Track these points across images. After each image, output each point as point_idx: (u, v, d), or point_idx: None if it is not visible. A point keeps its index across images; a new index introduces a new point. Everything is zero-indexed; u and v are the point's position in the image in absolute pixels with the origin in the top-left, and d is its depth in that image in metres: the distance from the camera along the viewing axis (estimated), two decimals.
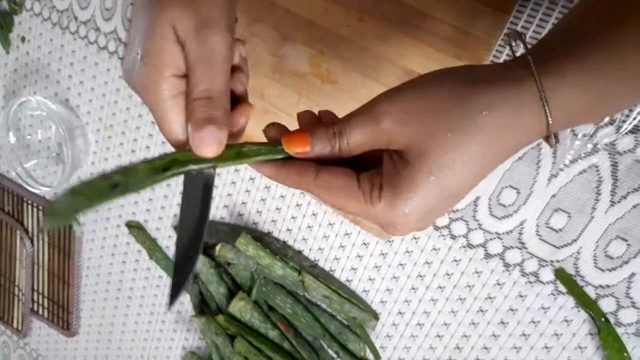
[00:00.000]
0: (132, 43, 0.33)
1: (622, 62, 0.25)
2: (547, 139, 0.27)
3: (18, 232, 0.86)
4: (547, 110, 0.25)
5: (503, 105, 0.25)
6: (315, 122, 0.31)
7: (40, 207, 0.83)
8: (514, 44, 0.29)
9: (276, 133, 0.31)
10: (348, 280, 0.60)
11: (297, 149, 0.29)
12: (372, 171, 0.29)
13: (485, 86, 0.26)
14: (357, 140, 0.28)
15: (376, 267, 0.57)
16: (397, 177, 0.27)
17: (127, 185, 0.28)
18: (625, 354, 0.47)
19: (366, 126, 0.27)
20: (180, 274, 0.33)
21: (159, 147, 0.69)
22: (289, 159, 0.30)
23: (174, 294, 0.32)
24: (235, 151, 0.31)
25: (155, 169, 0.29)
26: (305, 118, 0.32)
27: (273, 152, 0.31)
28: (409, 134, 0.26)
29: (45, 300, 0.89)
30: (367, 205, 0.28)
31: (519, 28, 0.44)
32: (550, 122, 0.26)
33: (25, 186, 0.78)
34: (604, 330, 0.47)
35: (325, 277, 0.60)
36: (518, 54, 0.28)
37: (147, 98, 0.31)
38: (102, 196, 0.28)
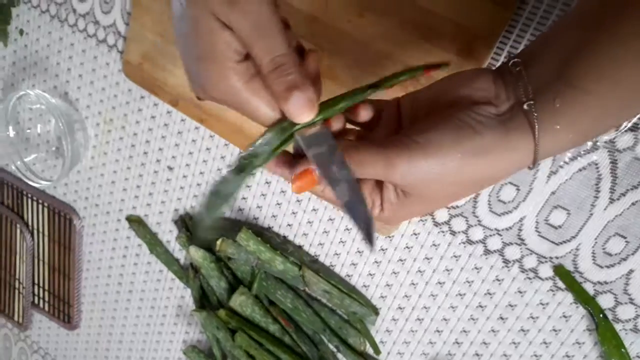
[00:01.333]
0: (186, 60, 0.32)
1: (621, 98, 0.27)
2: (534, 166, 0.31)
3: (18, 225, 0.86)
4: (537, 157, 0.29)
5: (498, 176, 0.30)
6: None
7: (41, 201, 0.83)
8: (514, 70, 0.30)
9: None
10: (348, 276, 0.60)
11: (305, 188, 0.31)
12: (372, 191, 0.33)
13: (489, 164, 0.29)
14: (362, 180, 0.32)
15: (376, 262, 0.58)
16: (398, 206, 0.32)
17: (252, 165, 0.31)
18: (623, 350, 0.47)
19: (378, 176, 0.30)
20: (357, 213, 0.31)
21: (159, 141, 0.69)
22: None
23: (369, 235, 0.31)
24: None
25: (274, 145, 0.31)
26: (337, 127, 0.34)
27: (355, 99, 0.34)
28: (415, 193, 0.31)
29: (46, 294, 0.89)
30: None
31: (520, 25, 0.44)
32: (536, 165, 0.30)
33: (25, 180, 0.78)
34: (602, 326, 0.48)
35: (325, 272, 0.61)
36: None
37: (226, 98, 0.31)
38: (233, 183, 0.31)
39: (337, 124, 0.33)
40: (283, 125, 0.31)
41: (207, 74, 0.31)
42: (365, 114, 0.33)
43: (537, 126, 0.28)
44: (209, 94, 0.32)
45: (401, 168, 0.29)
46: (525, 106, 0.28)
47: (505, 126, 0.29)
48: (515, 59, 0.30)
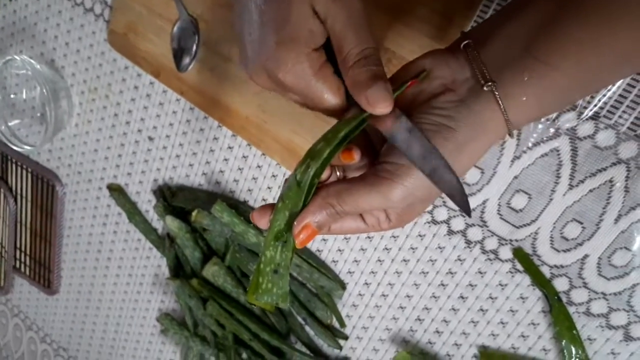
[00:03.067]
0: (256, 44, 0.33)
1: (585, 71, 0.28)
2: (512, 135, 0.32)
3: (2, 190, 0.87)
4: (511, 130, 0.30)
5: (481, 153, 0.31)
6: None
7: (24, 166, 0.84)
8: (467, 51, 0.31)
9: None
10: (318, 251, 0.62)
11: (308, 242, 0.33)
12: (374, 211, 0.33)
13: (473, 150, 0.31)
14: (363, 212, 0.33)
15: (345, 238, 0.59)
16: (403, 214, 0.33)
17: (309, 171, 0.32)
18: (574, 332, 0.49)
19: (379, 208, 0.32)
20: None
21: (141, 111, 0.69)
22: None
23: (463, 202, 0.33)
24: None
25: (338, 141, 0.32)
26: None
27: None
28: (418, 198, 0.32)
29: (28, 259, 0.91)
30: (375, 230, 0.35)
31: (491, 11, 0.45)
32: (513, 134, 0.31)
33: (9, 144, 0.78)
34: (556, 308, 0.49)
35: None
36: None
37: (294, 82, 0.32)
38: (298, 193, 0.32)
39: (325, 175, 0.34)
40: (338, 127, 0.32)
41: (284, 57, 0.31)
42: (357, 155, 0.33)
43: (501, 103, 0.29)
44: (276, 77, 0.32)
45: (398, 196, 0.30)
46: (485, 88, 0.29)
47: (474, 110, 0.30)
48: (468, 41, 0.31)
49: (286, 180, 0.33)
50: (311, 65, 0.32)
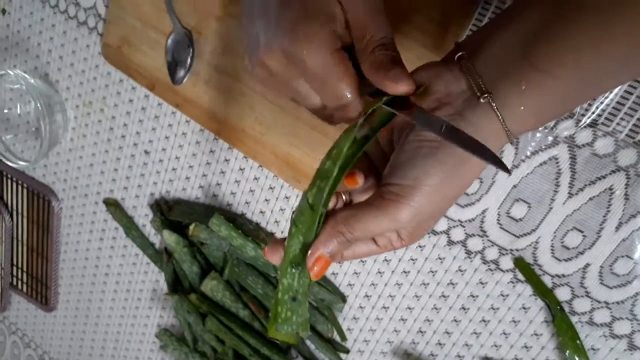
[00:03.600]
0: (262, 16, 0.33)
1: (582, 80, 0.28)
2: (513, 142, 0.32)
3: None
4: (510, 139, 0.30)
5: (484, 164, 0.30)
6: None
7: (20, 182, 0.84)
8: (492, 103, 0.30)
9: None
10: None
11: (322, 273, 0.33)
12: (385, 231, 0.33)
13: (475, 164, 0.30)
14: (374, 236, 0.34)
15: None
16: (414, 232, 0.34)
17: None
18: (578, 342, 0.48)
19: (389, 230, 0.32)
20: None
21: (136, 125, 0.69)
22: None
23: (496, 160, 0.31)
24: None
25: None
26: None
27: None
28: (426, 216, 0.32)
29: (24, 275, 0.90)
30: (388, 250, 0.35)
31: (485, 20, 0.45)
32: (513, 142, 0.30)
33: (4, 160, 0.78)
34: (559, 318, 0.49)
35: None
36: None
37: (308, 57, 0.31)
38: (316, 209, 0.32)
39: (332, 203, 0.34)
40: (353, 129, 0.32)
41: (306, 31, 0.31)
42: (361, 179, 0.34)
43: (499, 114, 0.28)
44: (295, 52, 0.32)
45: (406, 216, 0.30)
46: (481, 100, 0.29)
47: (472, 123, 0.29)
48: (461, 52, 0.30)
49: (296, 207, 0.33)
50: (329, 46, 0.31)
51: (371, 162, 0.36)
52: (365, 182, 0.34)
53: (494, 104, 0.28)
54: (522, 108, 0.28)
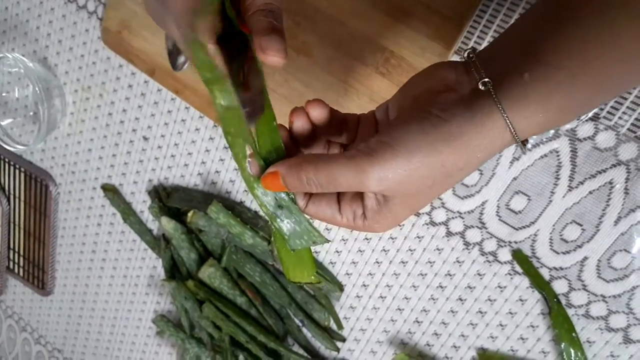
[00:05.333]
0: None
1: (584, 77, 0.27)
2: (522, 148, 0.30)
3: None
4: (515, 136, 0.28)
5: (479, 156, 0.29)
6: (308, 133, 0.33)
7: (17, 166, 0.83)
8: (482, 87, 0.29)
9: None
10: (316, 252, 0.61)
11: (273, 190, 0.32)
12: (352, 201, 0.32)
13: (463, 148, 0.29)
14: (338, 189, 0.31)
15: (343, 240, 0.58)
16: (380, 214, 0.31)
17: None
18: (573, 334, 0.49)
19: (352, 187, 0.30)
20: None
21: (135, 110, 0.69)
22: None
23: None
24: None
25: None
26: (299, 127, 0.34)
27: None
28: (396, 195, 0.30)
29: (21, 259, 0.90)
30: (350, 226, 0.33)
31: (490, 10, 0.45)
32: (518, 141, 0.28)
33: (1, 144, 0.77)
34: (555, 310, 0.49)
35: None
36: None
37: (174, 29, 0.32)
38: None
39: (318, 114, 0.33)
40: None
41: None
42: (317, 113, 0.33)
43: (499, 102, 0.28)
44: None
45: (373, 173, 0.29)
46: (480, 86, 0.29)
47: (470, 108, 0.29)
48: (469, 49, 0.30)
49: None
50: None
51: (376, 124, 0.36)
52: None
53: (491, 89, 0.28)
54: (527, 101, 0.28)
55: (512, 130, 0.28)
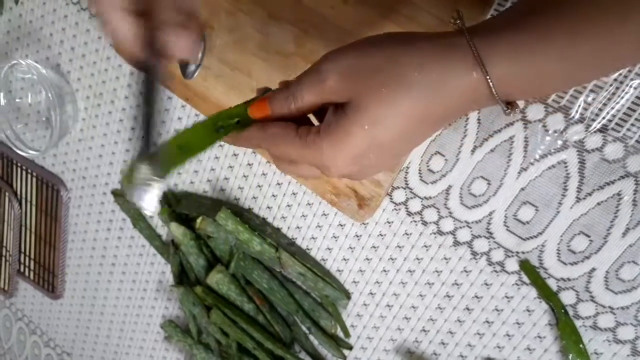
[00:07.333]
0: None
1: (551, 44, 0.26)
2: (502, 104, 0.28)
3: (7, 193, 0.87)
4: (482, 66, 0.27)
5: (432, 65, 0.28)
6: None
7: (29, 171, 0.84)
8: (452, 21, 0.30)
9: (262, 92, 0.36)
10: (323, 260, 0.61)
11: (260, 114, 0.34)
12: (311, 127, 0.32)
13: (420, 47, 0.28)
14: (308, 99, 0.31)
15: (350, 248, 0.59)
16: (334, 125, 0.30)
17: (190, 148, 0.35)
18: (581, 346, 0.49)
19: (314, 85, 0.30)
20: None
21: None
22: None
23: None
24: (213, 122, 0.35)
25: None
26: (263, 91, 0.36)
27: (246, 122, 0.35)
28: (349, 89, 0.29)
29: (32, 263, 0.91)
30: (302, 150, 0.31)
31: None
32: (489, 79, 0.27)
33: (14, 149, 0.78)
34: (563, 321, 0.49)
35: (301, 255, 0.62)
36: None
37: (99, 6, 0.33)
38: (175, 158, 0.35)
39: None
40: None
41: None
42: (228, 139, 0.36)
43: (468, 38, 0.27)
44: None
45: (329, 63, 0.30)
46: (451, 21, 0.29)
47: (439, 37, 0.28)
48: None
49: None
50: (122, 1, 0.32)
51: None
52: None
53: (459, 22, 0.28)
54: (494, 33, 0.27)
55: (474, 49, 0.27)
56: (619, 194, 0.44)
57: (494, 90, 0.27)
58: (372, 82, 0.28)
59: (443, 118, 0.29)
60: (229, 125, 0.35)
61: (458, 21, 0.29)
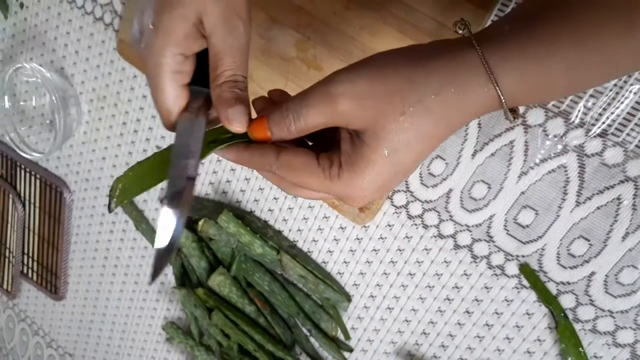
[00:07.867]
0: (140, 13, 0.34)
1: (559, 51, 0.27)
2: (508, 114, 0.29)
3: (11, 195, 0.88)
4: (494, 83, 0.27)
5: (449, 86, 0.27)
6: (271, 106, 0.33)
7: (33, 173, 0.85)
8: (460, 31, 0.30)
9: (260, 107, 0.34)
10: (324, 262, 0.62)
11: (259, 136, 0.32)
12: (330, 152, 0.31)
13: (434, 68, 0.28)
14: (314, 121, 0.30)
15: (351, 251, 0.59)
16: (355, 156, 0.29)
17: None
18: (580, 349, 0.49)
19: (323, 108, 0.29)
20: (163, 253, 0.32)
21: (149, 120, 0.70)
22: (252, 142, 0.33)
23: (156, 272, 0.32)
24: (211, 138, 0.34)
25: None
26: (260, 106, 0.34)
27: (241, 136, 0.33)
28: (365, 115, 0.28)
29: (35, 264, 0.91)
30: (326, 182, 0.30)
31: None
32: (500, 93, 0.27)
33: (18, 151, 0.79)
34: (562, 325, 0.49)
35: (302, 258, 0.62)
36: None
37: (148, 67, 0.33)
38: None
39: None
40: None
41: (153, 39, 0.32)
42: (231, 156, 0.34)
43: (476, 45, 0.27)
44: (140, 54, 0.33)
45: (340, 76, 0.28)
46: (456, 28, 0.29)
47: (451, 52, 0.28)
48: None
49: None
50: (171, 65, 0.32)
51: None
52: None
53: (465, 30, 0.28)
54: (504, 45, 0.27)
55: (486, 66, 0.27)
56: (618, 199, 0.44)
57: (504, 102, 0.28)
58: (390, 108, 0.28)
59: (456, 130, 0.30)
60: (221, 139, 0.34)
61: (462, 30, 0.29)
